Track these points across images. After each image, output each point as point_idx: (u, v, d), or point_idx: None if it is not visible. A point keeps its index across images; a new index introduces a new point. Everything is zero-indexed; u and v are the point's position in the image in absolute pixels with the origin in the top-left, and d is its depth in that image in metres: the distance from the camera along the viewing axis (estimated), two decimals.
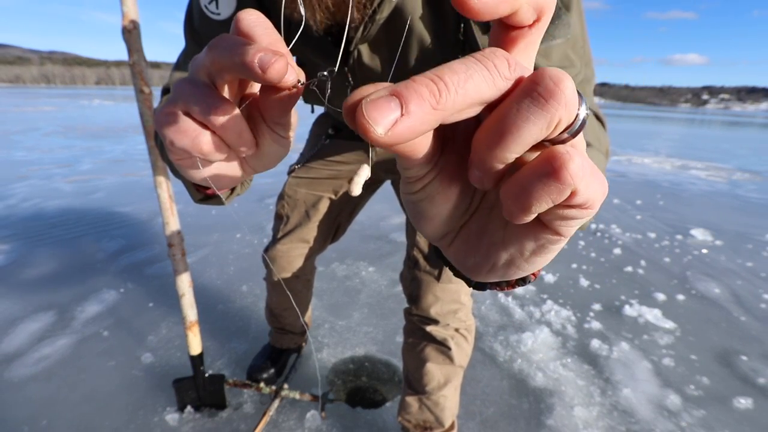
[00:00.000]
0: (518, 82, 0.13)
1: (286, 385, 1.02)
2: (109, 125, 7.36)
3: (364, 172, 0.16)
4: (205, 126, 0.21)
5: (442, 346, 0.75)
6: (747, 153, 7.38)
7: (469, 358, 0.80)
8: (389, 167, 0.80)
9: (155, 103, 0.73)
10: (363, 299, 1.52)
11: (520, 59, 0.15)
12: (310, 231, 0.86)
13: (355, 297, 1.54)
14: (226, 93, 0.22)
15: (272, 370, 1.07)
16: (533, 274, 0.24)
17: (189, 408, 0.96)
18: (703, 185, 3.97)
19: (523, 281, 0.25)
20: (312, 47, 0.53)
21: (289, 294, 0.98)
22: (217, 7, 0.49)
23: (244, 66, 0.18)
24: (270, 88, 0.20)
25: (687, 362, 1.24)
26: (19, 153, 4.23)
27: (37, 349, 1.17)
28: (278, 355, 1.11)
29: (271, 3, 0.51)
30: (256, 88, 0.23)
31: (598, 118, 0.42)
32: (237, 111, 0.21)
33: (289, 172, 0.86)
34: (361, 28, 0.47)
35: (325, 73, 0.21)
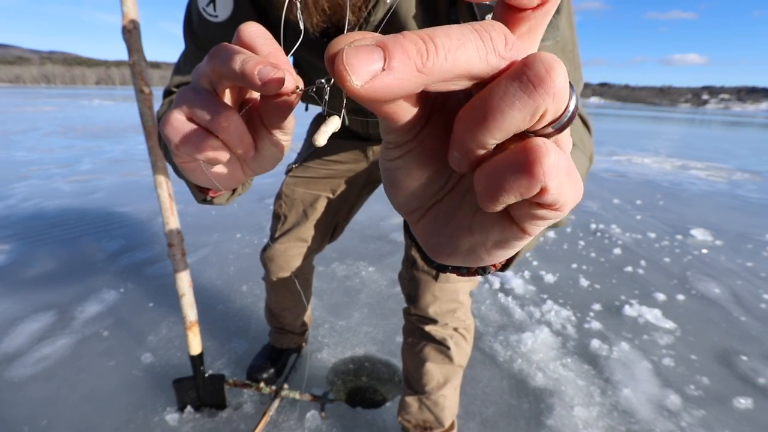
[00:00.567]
0: (512, 64, 0.13)
1: (286, 385, 1.02)
2: (109, 125, 7.36)
3: (333, 123, 0.16)
4: (208, 131, 0.22)
5: (441, 346, 0.75)
6: (747, 153, 7.37)
7: (468, 357, 0.80)
8: None
9: (155, 104, 0.73)
10: (363, 299, 1.52)
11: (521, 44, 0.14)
12: (308, 230, 0.87)
13: (355, 297, 1.54)
14: (227, 98, 0.23)
15: (272, 370, 1.07)
16: (493, 264, 0.23)
17: (189, 408, 0.96)
18: (703, 185, 3.97)
19: (483, 270, 0.25)
20: (308, 48, 0.53)
21: (287, 294, 0.98)
22: (214, 10, 0.49)
23: (244, 77, 0.19)
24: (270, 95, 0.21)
25: (687, 362, 1.24)
26: (19, 153, 4.23)
27: (37, 349, 1.17)
28: (278, 355, 1.11)
29: (267, 5, 0.51)
30: (255, 93, 0.24)
31: (584, 122, 0.42)
32: (238, 116, 0.22)
33: (287, 172, 0.86)
34: (356, 30, 0.47)
35: (323, 80, 0.21)
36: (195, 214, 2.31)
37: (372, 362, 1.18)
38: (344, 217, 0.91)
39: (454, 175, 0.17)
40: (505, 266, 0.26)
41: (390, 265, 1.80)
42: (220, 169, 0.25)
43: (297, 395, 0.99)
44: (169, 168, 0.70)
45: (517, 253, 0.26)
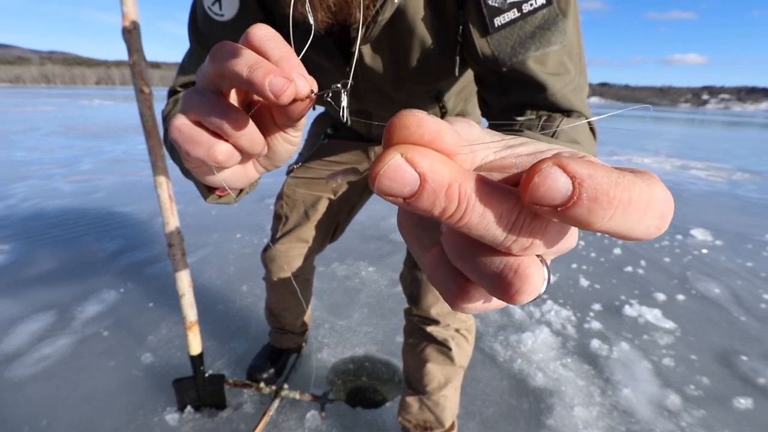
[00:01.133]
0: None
1: (286, 385, 1.02)
2: (109, 125, 7.36)
3: (351, 175, 0.16)
4: (218, 135, 0.22)
5: (443, 347, 0.75)
6: (747, 153, 7.37)
7: (469, 358, 0.80)
8: None
9: (155, 104, 0.73)
10: (363, 299, 1.52)
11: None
12: (309, 231, 0.86)
13: (355, 297, 1.54)
14: (233, 98, 0.23)
15: (272, 370, 1.07)
16: None
17: (189, 408, 0.96)
18: (703, 185, 3.97)
19: None
20: (312, 45, 0.53)
21: (287, 294, 0.98)
22: (220, 8, 0.49)
23: (253, 86, 0.19)
24: None
25: (687, 362, 1.24)
26: (19, 153, 4.23)
27: (37, 349, 1.17)
28: (278, 355, 1.11)
29: (273, 3, 0.51)
30: None
31: (591, 128, 0.42)
32: (247, 119, 0.21)
33: (288, 172, 0.86)
34: (363, 30, 0.47)
35: (339, 85, 0.21)
36: (195, 214, 2.31)
37: (372, 362, 1.18)
38: (345, 218, 0.91)
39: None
40: None
41: (390, 265, 1.80)
42: (231, 169, 0.25)
43: (297, 395, 0.99)
44: (170, 168, 0.70)
45: None
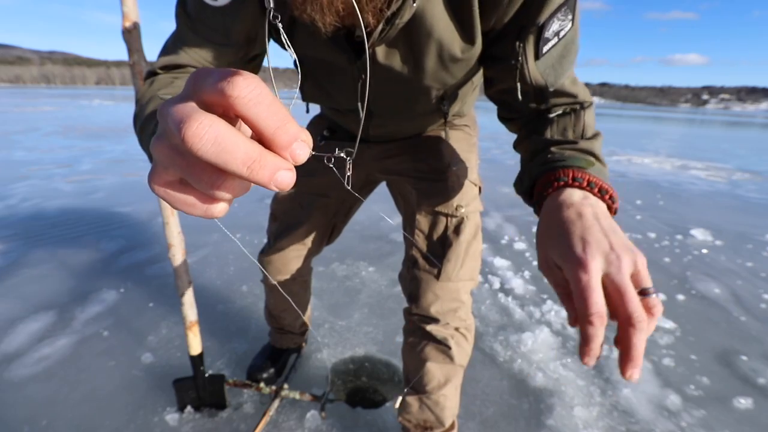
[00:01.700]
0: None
1: (286, 385, 1.02)
2: (110, 125, 7.36)
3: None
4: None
5: (443, 346, 0.75)
6: (747, 153, 7.37)
7: (469, 357, 0.80)
8: (385, 168, 0.79)
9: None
10: (363, 299, 1.52)
11: None
12: (306, 232, 0.86)
13: (355, 297, 1.54)
14: None
15: (272, 370, 1.07)
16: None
17: (189, 408, 0.96)
18: (703, 185, 3.97)
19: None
20: (316, 45, 0.52)
21: (287, 296, 0.98)
22: None
23: (256, 183, 0.18)
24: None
25: (687, 362, 1.24)
26: (19, 153, 4.23)
27: (37, 349, 1.17)
28: (278, 355, 1.11)
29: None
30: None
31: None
32: (237, 181, 0.19)
33: None
34: (378, 31, 0.46)
35: (343, 154, 0.20)
36: None
37: (372, 362, 1.18)
38: (342, 219, 0.91)
39: None
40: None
41: (390, 265, 1.80)
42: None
43: (297, 395, 0.99)
44: None
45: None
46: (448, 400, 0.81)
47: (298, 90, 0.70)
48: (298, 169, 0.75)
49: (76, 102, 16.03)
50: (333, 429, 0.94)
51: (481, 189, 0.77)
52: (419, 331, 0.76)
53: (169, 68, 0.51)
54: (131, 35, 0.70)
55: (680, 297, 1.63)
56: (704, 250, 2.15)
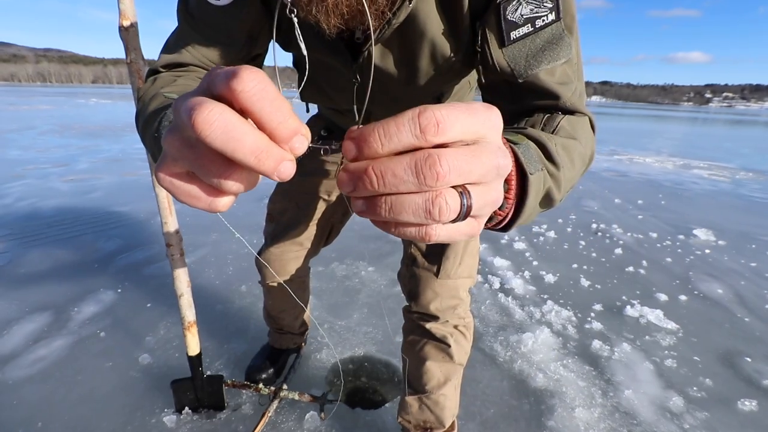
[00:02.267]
0: None
1: (285, 386, 1.01)
2: (107, 124, 7.36)
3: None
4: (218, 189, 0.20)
5: (442, 344, 0.74)
6: (751, 152, 7.35)
7: (468, 356, 0.79)
8: None
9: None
10: (362, 299, 1.52)
11: None
12: (303, 234, 0.85)
13: (355, 297, 1.53)
14: None
15: (271, 371, 1.07)
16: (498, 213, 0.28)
17: (187, 409, 0.96)
18: (705, 184, 3.96)
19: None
20: (318, 45, 0.52)
21: (284, 296, 0.97)
22: None
23: (261, 172, 0.19)
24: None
25: (690, 363, 1.23)
26: (15, 152, 4.22)
27: (33, 350, 1.16)
28: (277, 356, 1.10)
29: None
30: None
31: (591, 124, 0.46)
32: (244, 173, 0.19)
33: None
34: (377, 33, 0.47)
35: (329, 147, 0.21)
36: (193, 213, 2.30)
37: (371, 362, 1.17)
38: (339, 219, 0.90)
39: None
40: (507, 225, 0.29)
41: (390, 264, 1.79)
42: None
43: (296, 396, 0.98)
44: None
45: (519, 213, 0.29)
46: (448, 400, 0.81)
47: (298, 92, 0.69)
48: (298, 175, 0.73)
49: (72, 100, 16.03)
50: (332, 430, 0.93)
51: None
52: (419, 330, 0.76)
53: (170, 67, 0.51)
54: (128, 33, 0.69)
55: (682, 297, 1.62)
56: (707, 250, 2.14)
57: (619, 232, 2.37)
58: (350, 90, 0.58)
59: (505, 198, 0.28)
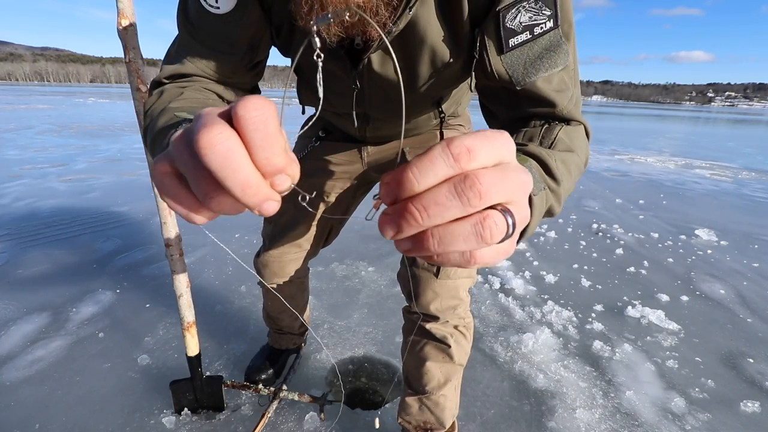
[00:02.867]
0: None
1: (284, 387, 1.00)
2: (105, 123, 7.35)
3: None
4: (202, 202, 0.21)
5: (442, 344, 0.74)
6: (753, 151, 7.34)
7: (468, 356, 0.79)
8: (382, 168, 0.79)
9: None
10: (362, 299, 1.51)
11: None
12: (302, 235, 0.85)
13: (355, 297, 1.52)
14: None
15: (271, 371, 1.06)
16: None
17: (186, 410, 0.95)
18: (707, 184, 3.95)
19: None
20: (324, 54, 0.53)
21: (286, 295, 0.97)
22: (216, 1, 0.47)
23: (246, 206, 0.20)
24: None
25: (691, 364, 1.22)
26: (12, 151, 4.21)
27: (30, 351, 1.16)
28: (277, 356, 1.10)
29: (274, 2, 0.50)
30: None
31: (586, 131, 0.46)
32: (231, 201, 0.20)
33: None
34: (378, 43, 0.48)
35: (307, 197, 0.23)
36: None
37: (371, 363, 1.17)
38: (339, 221, 0.90)
39: None
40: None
41: (390, 264, 1.78)
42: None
43: (296, 396, 0.98)
44: None
45: (524, 234, 0.29)
46: (448, 401, 0.81)
47: (296, 92, 0.68)
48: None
49: (70, 100, 16.03)
50: (332, 430, 0.93)
51: None
52: (419, 330, 0.75)
53: (174, 78, 0.51)
54: (127, 33, 0.68)
55: (684, 298, 1.61)
56: (709, 251, 2.13)
57: (620, 232, 2.36)
58: (350, 95, 0.58)
59: None
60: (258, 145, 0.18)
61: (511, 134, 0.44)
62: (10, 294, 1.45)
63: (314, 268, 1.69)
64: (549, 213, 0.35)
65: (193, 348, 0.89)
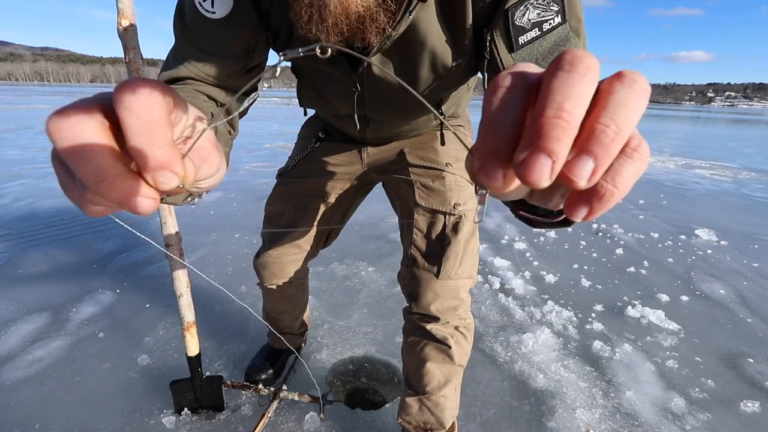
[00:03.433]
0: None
1: (284, 387, 1.00)
2: None
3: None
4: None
5: (442, 345, 0.74)
6: (753, 151, 7.33)
7: (468, 357, 0.79)
8: (382, 168, 0.79)
9: None
10: (362, 299, 1.51)
11: None
12: (302, 236, 0.85)
13: (355, 297, 1.52)
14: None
15: (271, 371, 1.06)
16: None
17: (186, 410, 0.95)
18: (707, 184, 3.95)
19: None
20: (315, 59, 0.53)
21: (283, 298, 0.97)
22: (212, 5, 0.48)
23: (100, 196, 0.16)
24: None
25: (691, 364, 1.22)
26: (12, 151, 4.21)
27: (30, 351, 1.16)
28: (277, 356, 1.10)
29: (270, 7, 0.50)
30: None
31: None
32: (122, 182, 0.17)
33: (278, 175, 0.84)
34: (377, 50, 0.48)
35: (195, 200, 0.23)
36: (193, 213, 2.29)
37: (371, 363, 1.17)
38: (338, 221, 0.90)
39: None
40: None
41: (390, 265, 1.78)
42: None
43: (296, 396, 0.98)
44: None
45: None
46: (448, 401, 0.80)
47: (296, 93, 0.68)
48: (293, 170, 0.74)
49: (70, 100, 15.90)
50: (332, 430, 0.93)
51: None
52: (419, 330, 0.75)
53: (169, 83, 0.51)
54: (127, 33, 0.68)
55: (684, 298, 1.61)
56: (709, 251, 2.13)
57: (620, 232, 2.36)
58: (350, 98, 0.58)
59: None
60: (132, 132, 0.16)
61: None
62: (10, 294, 1.45)
63: (314, 268, 1.69)
64: None
65: (193, 348, 0.89)
